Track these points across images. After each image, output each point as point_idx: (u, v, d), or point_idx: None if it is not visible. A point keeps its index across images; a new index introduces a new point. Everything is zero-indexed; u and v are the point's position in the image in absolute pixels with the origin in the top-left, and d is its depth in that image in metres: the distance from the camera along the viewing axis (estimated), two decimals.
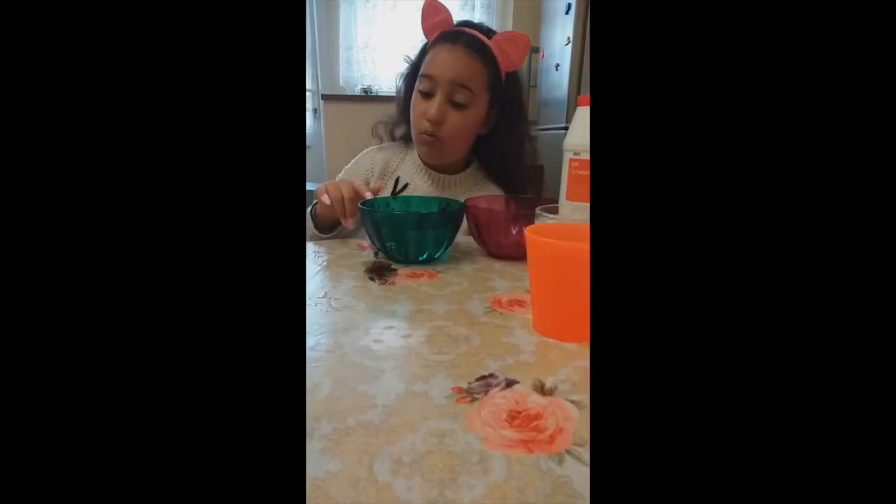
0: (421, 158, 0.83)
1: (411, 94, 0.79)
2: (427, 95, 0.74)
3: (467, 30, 0.74)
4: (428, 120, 0.73)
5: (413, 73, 0.80)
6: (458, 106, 0.74)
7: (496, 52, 0.74)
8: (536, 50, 2.30)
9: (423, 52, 0.78)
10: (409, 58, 0.83)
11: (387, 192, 0.80)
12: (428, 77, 0.73)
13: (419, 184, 0.83)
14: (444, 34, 0.75)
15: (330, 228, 0.76)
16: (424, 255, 0.60)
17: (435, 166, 0.83)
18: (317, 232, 0.75)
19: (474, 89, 0.73)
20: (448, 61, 0.72)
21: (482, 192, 0.81)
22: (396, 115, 0.86)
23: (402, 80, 0.83)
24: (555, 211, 0.51)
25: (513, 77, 0.78)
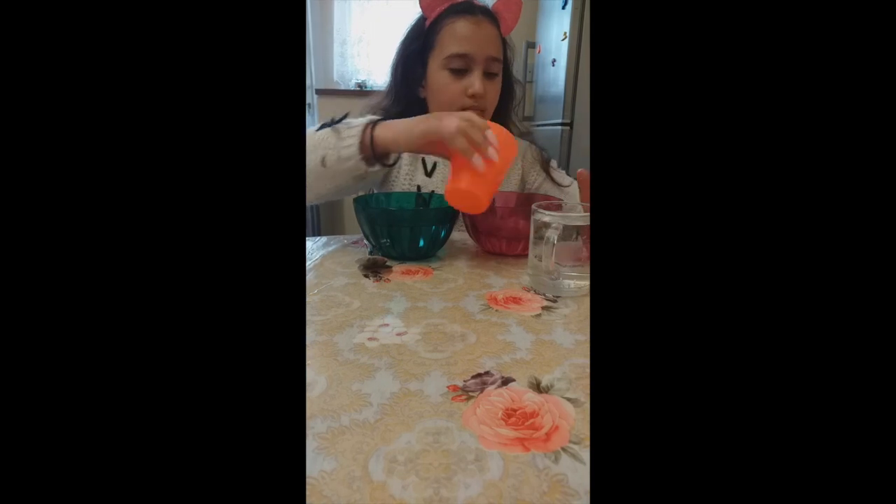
0: None
1: (416, 75, 0.76)
2: (460, 73, 0.73)
3: (476, 0, 0.74)
4: (473, 95, 0.72)
5: (419, 52, 0.76)
6: (492, 77, 0.75)
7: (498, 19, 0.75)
8: (533, 45, 2.29)
9: (423, 28, 0.75)
10: (408, 40, 0.78)
11: (420, 176, 0.80)
12: (461, 56, 0.71)
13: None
14: (455, 6, 0.73)
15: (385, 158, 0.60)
16: (420, 251, 0.60)
17: None
18: (364, 165, 0.58)
19: (501, 58, 0.75)
20: (478, 35, 0.71)
21: None
22: (391, 99, 0.81)
23: (400, 63, 0.79)
24: (552, 207, 0.51)
25: (505, 40, 0.81)
